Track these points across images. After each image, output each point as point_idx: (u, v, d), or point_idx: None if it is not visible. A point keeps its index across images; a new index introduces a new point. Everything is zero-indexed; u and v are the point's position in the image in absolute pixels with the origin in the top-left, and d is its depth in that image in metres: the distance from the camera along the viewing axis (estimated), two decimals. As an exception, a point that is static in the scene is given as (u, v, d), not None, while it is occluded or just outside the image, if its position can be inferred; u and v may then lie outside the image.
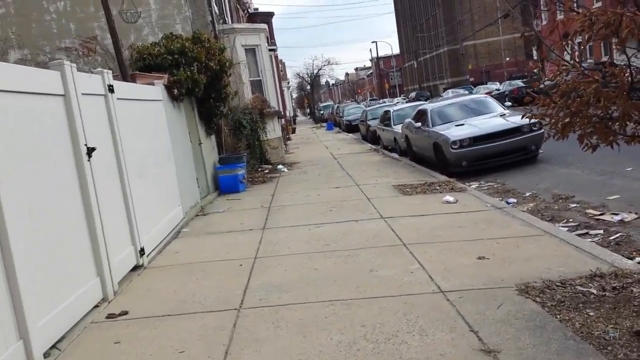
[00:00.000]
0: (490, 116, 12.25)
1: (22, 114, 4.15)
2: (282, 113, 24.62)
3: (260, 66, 17.66)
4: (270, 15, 37.92)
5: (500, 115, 12.01)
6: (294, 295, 4.71)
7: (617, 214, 6.70)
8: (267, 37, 25.35)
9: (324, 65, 66.35)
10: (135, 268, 5.99)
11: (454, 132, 11.43)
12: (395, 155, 15.99)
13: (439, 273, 4.98)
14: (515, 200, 8.42)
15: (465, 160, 11.12)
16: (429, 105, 13.80)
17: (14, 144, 3.96)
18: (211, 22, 15.54)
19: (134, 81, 7.95)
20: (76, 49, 14.86)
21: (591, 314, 3.78)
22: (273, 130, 17.06)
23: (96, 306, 4.92)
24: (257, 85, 17.35)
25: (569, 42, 3.80)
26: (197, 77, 9.62)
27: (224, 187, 11.52)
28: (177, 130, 9.21)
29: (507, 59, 66.46)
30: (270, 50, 23.23)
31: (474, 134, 11.17)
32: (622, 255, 5.16)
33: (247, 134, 14.36)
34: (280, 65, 48.84)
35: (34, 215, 4.08)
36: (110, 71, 6.05)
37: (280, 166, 15.42)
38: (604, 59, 33.34)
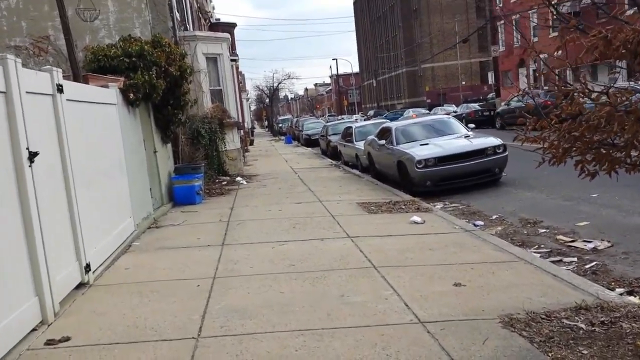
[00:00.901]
0: (454, 137, 12.16)
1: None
2: (242, 124, 24.12)
3: (222, 75, 17.18)
4: (232, 25, 37.36)
5: (465, 137, 11.94)
6: (259, 323, 4.26)
7: (589, 242, 6.56)
8: (229, 47, 24.86)
9: (284, 79, 66.11)
10: (80, 286, 5.40)
11: (419, 151, 11.25)
12: (357, 172, 15.73)
13: (415, 300, 4.63)
14: (482, 223, 8.23)
15: (430, 180, 10.95)
16: (393, 124, 13.64)
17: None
18: (172, 28, 14.98)
19: (86, 83, 7.36)
20: (27, 48, 14.03)
21: (584, 352, 3.50)
22: (232, 141, 16.55)
23: (34, 329, 4.33)
24: (217, 95, 16.84)
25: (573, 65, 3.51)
26: (156, 82, 9.08)
27: (179, 198, 10.93)
28: (132, 136, 8.63)
29: (464, 82, 68.00)
30: (232, 60, 22.78)
31: (439, 154, 11.02)
32: (602, 286, 4.96)
33: (205, 143, 13.81)
34: (240, 77, 48.32)
35: (-39, 226, 3.51)
36: (60, 70, 5.48)
37: (238, 178, 14.90)
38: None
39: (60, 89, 5.35)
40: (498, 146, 11.15)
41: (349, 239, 7.14)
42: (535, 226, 7.72)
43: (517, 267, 5.54)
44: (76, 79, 7.58)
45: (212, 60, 16.91)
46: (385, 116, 42.82)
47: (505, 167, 11.35)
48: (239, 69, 45.59)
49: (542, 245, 6.76)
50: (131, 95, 8.44)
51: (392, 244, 6.72)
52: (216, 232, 8.01)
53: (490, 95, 47.88)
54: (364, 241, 6.94)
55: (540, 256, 6.30)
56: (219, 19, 40.63)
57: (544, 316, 4.20)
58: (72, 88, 5.90)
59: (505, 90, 40.03)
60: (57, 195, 5.05)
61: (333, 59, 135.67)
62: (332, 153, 21.29)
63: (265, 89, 68.28)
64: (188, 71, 10.73)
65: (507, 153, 11.18)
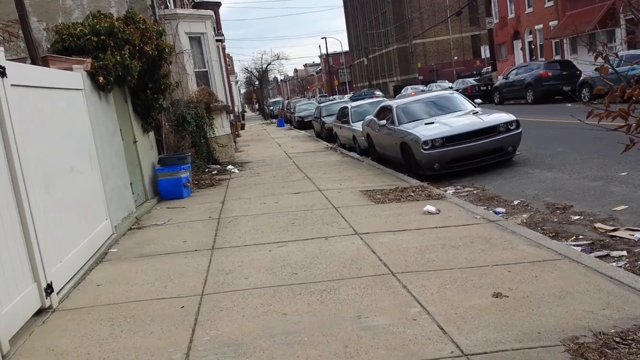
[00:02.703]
0: (461, 114, 11.20)
1: None
2: (231, 108, 23.05)
3: (207, 56, 16.07)
4: (217, 4, 36.01)
5: (473, 113, 10.98)
6: (257, 363, 3.35)
7: (636, 230, 5.68)
8: (214, 26, 23.64)
9: (273, 60, 64.57)
10: (41, 312, 4.46)
11: (425, 131, 10.29)
12: (355, 155, 14.78)
13: (451, 321, 3.73)
14: (504, 210, 7.33)
15: (438, 162, 10.01)
16: (393, 102, 12.64)
17: None
18: (150, 6, 13.85)
19: (45, 65, 6.33)
20: (-6, 32, 12.94)
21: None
22: (221, 126, 15.52)
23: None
24: (203, 77, 15.76)
25: None
26: (129, 63, 8.04)
27: (164, 192, 9.96)
28: (104, 126, 7.63)
29: (456, 57, 66.85)
30: (217, 40, 21.60)
31: (447, 133, 10.07)
32: (674, 291, 4.08)
33: (192, 130, 12.79)
34: (227, 60, 46.92)
35: None
36: (2, 49, 4.47)
37: (230, 166, 13.92)
38: (556, 57, 33.45)
39: (2, 72, 4.34)
40: (511, 122, 10.22)
41: (357, 236, 6.22)
42: (565, 212, 6.82)
43: (562, 268, 4.64)
44: (34, 61, 6.55)
45: (196, 40, 15.80)
46: (358, 95, 41.60)
47: (519, 145, 10.43)
48: (226, 51, 44.24)
49: (581, 236, 5.86)
50: (101, 79, 7.41)
51: (409, 242, 5.80)
52: (205, 232, 7.06)
53: (485, 70, 46.84)
54: (374, 239, 6.02)
55: (581, 250, 5.41)
56: (202, 1, 39.22)
57: (618, 339, 3.32)
58: (21, 71, 4.89)
59: (501, 64, 39.05)
60: (1, 202, 4.08)
61: (322, 38, 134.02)
62: (327, 135, 20.31)
63: (254, 71, 66.80)
64: (167, 50, 9.68)
65: (520, 130, 10.26)
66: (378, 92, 44.82)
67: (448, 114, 11.23)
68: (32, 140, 4.79)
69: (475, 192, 8.76)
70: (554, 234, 6.05)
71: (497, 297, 4.12)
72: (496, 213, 7.16)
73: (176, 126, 12.57)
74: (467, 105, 11.80)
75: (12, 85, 4.52)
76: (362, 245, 5.82)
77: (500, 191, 8.50)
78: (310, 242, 6.10)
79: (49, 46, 9.65)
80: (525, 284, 4.34)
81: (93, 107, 7.15)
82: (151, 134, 10.70)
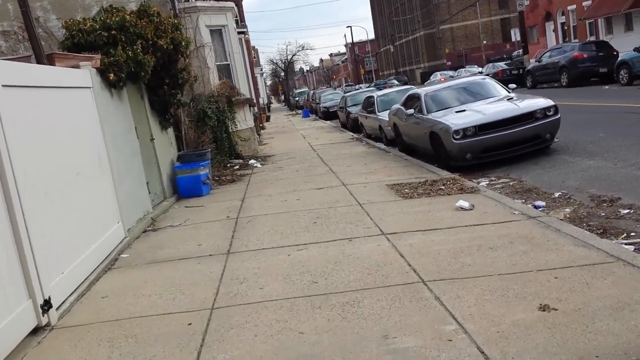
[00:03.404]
0: (494, 100, 10.53)
1: None
2: (255, 101, 22.67)
3: (228, 49, 15.68)
4: (239, -3, 35.60)
5: (507, 99, 10.31)
6: (267, 397, 2.91)
7: (699, 227, 5.05)
8: (237, 19, 23.26)
9: (298, 51, 64.03)
10: (37, 330, 4.12)
11: (455, 119, 9.68)
12: (382, 146, 14.23)
13: (492, 341, 3.22)
14: (544, 204, 6.73)
15: (470, 152, 9.40)
16: (422, 90, 12.02)
17: None
18: (170, 0, 13.53)
19: (51, 63, 6.00)
20: (15, 33, 12.82)
21: None
22: (244, 120, 15.14)
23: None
24: (224, 71, 15.39)
25: None
26: (142, 59, 7.67)
27: (183, 190, 9.61)
28: (117, 124, 7.28)
29: (485, 42, 65.15)
30: (239, 33, 21.22)
31: (480, 121, 9.44)
32: None
33: (213, 125, 12.44)
34: (252, 52, 46.59)
35: None
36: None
37: (252, 161, 13.54)
38: (590, 38, 32.05)
39: (-11, 71, 3.98)
40: (549, 108, 9.52)
41: (384, 236, 5.72)
42: (613, 205, 6.19)
43: (616, 273, 4.08)
44: (38, 59, 6.22)
45: (217, 33, 15.43)
46: (374, 85, 40.86)
47: (557, 132, 9.74)
48: (251, 43, 43.89)
49: (633, 233, 5.25)
50: (111, 76, 7.06)
51: (440, 243, 5.28)
52: (222, 234, 6.66)
53: (516, 53, 45.44)
54: (403, 239, 5.52)
55: (634, 249, 4.82)
56: (225, -8, 38.77)
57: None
58: (13, 71, 4.52)
59: (532, 47, 37.71)
60: (-10, 215, 3.73)
61: (347, 27, 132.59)
62: (353, 125, 19.76)
63: (280, 62, 66.45)
64: (183, 44, 9.28)
65: (559, 115, 9.56)
66: (394, 81, 44.39)
67: (480, 101, 10.59)
68: (28, 145, 4.43)
69: (511, 183, 8.15)
70: (601, 230, 5.45)
71: (544, 310, 3.59)
72: (536, 207, 6.57)
73: (197, 121, 12.23)
74: (501, 90, 11.11)
75: (3, 86, 4.15)
76: (389, 247, 5.33)
77: (538, 182, 7.88)
78: (333, 245, 5.63)
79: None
80: (576, 293, 3.80)
81: (104, 105, 6.80)
82: (170, 130, 10.36)
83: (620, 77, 19.11)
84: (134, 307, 4.52)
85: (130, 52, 7.46)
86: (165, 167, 9.52)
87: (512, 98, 10.34)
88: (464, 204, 6.60)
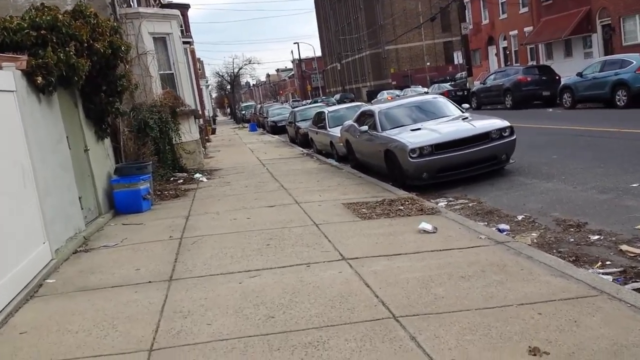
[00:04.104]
0: (448, 119, 10.34)
1: None
2: (200, 112, 21.88)
3: (172, 58, 14.94)
4: (185, 7, 34.78)
5: (462, 119, 10.13)
6: None
7: (675, 255, 4.83)
8: (182, 28, 22.48)
9: (245, 65, 63.41)
10: None
11: (412, 138, 9.38)
12: (334, 162, 13.83)
13: (484, 395, 2.77)
14: (508, 227, 6.43)
15: (426, 171, 9.11)
16: (375, 107, 11.71)
17: None
18: (110, 4, 12.71)
19: (-32, 59, 5.20)
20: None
21: None
22: (189, 131, 14.40)
23: None
24: (168, 80, 14.62)
25: None
26: (75, 62, 6.91)
27: (121, 205, 8.82)
28: (45, 133, 6.50)
29: (428, 63, 66.61)
30: (185, 42, 20.46)
31: (436, 140, 9.17)
32: None
33: (155, 136, 11.66)
34: (198, 64, 45.58)
35: None
36: None
37: (198, 175, 12.81)
38: (531, 63, 33.12)
39: None
40: (504, 128, 9.38)
41: (345, 262, 5.23)
42: (581, 231, 5.96)
43: (603, 308, 3.74)
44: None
45: (161, 40, 14.67)
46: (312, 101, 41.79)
47: (512, 153, 9.61)
48: (197, 55, 42.93)
49: (608, 262, 4.99)
50: (39, 80, 6.28)
51: (407, 270, 4.84)
52: (163, 257, 5.98)
53: (458, 75, 46.49)
54: (366, 266, 5.04)
55: (613, 279, 4.55)
56: (170, 1, 37.94)
57: None
58: None
59: (475, 70, 38.62)
60: None
61: (294, 43, 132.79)
62: (303, 141, 19.34)
63: (226, 75, 65.55)
64: (123, 49, 8.55)
65: (515, 136, 9.44)
66: (321, 100, 45.86)
67: (435, 120, 10.36)
68: None
69: (470, 204, 7.87)
70: (574, 258, 5.17)
71: (534, 354, 3.18)
72: (500, 231, 6.27)
73: (138, 132, 11.43)
74: (454, 110, 10.95)
75: None
76: (352, 274, 4.84)
77: (498, 204, 7.63)
78: (289, 271, 5.09)
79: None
80: (565, 333, 3.42)
81: (29, 112, 6.02)
82: (107, 141, 9.55)
83: (564, 100, 19.62)
84: (57, 346, 3.80)
85: (61, 54, 6.70)
86: (101, 180, 8.71)
87: (467, 118, 10.17)
88: (427, 226, 6.22)
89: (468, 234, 5.96)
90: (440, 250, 5.39)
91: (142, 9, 15.29)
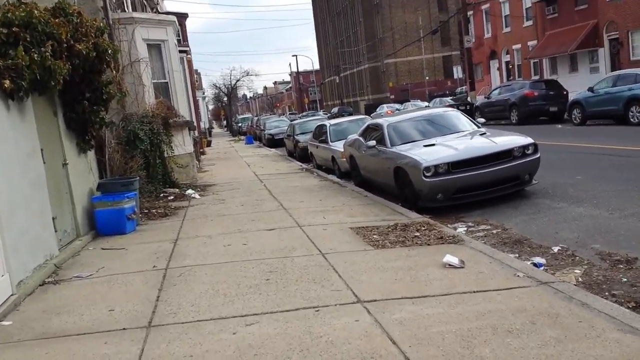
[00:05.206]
0: (465, 135, 9.51)
1: None
2: (195, 124, 21.05)
3: (167, 67, 14.14)
4: (183, 16, 34.09)
5: (480, 135, 9.31)
6: None
7: None
8: (179, 37, 21.73)
9: (243, 77, 62.75)
10: None
11: (426, 154, 8.53)
12: (335, 178, 13.00)
13: None
14: (544, 261, 5.57)
15: (442, 192, 8.26)
16: (384, 120, 10.88)
17: None
18: (103, 8, 11.92)
19: None
20: None
21: None
22: (182, 144, 13.55)
23: None
24: (162, 90, 13.79)
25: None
26: (52, 64, 6.05)
27: (102, 226, 7.93)
28: (13, 145, 5.62)
29: (427, 77, 66.16)
30: (181, 51, 19.75)
31: (453, 157, 8.33)
32: None
33: (145, 148, 10.80)
34: (195, 74, 44.82)
35: None
36: None
37: (190, 191, 11.92)
38: (535, 77, 32.49)
39: None
40: (527, 146, 8.56)
41: (361, 305, 4.35)
42: (633, 268, 5.10)
43: None
44: None
45: (156, 48, 13.88)
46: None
47: (535, 173, 8.78)
48: (194, 66, 42.18)
49: (679, 311, 4.13)
50: (7, 83, 5.41)
51: (440, 320, 3.95)
52: (143, 293, 5.08)
53: (458, 90, 45.91)
54: (388, 312, 4.16)
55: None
56: (168, 12, 37.30)
57: None
58: None
59: (477, 84, 37.99)
60: None
61: (293, 55, 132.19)
62: (301, 155, 18.50)
63: (223, 87, 64.87)
64: (109, 52, 7.71)
65: (539, 154, 8.62)
66: (320, 113, 45.66)
67: (450, 135, 9.53)
68: None
69: (494, 232, 7.00)
70: (633, 304, 4.31)
71: None
72: (536, 265, 5.41)
73: (127, 144, 10.57)
74: (469, 124, 10.14)
75: None
76: (372, 324, 3.95)
77: (526, 232, 6.77)
78: (294, 317, 4.20)
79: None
80: None
81: (-8, 118, 5.16)
82: (90, 153, 8.67)
83: (573, 116, 18.88)
84: None
85: (35, 55, 5.85)
86: (81, 198, 7.82)
87: (484, 133, 9.35)
88: (453, 260, 5.35)
89: (501, 270, 5.09)
90: (474, 292, 4.52)
91: (136, 14, 14.49)
